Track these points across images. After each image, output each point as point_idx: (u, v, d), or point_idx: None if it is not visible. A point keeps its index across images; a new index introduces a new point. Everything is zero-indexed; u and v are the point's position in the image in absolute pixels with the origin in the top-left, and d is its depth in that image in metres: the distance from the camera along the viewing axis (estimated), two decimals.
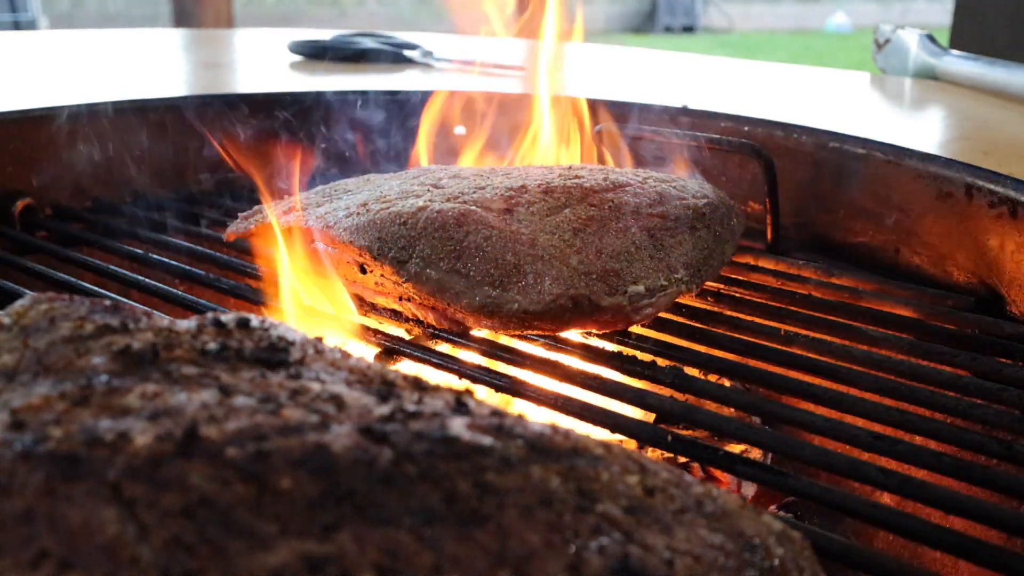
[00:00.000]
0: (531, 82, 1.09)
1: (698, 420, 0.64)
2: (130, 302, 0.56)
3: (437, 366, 0.71)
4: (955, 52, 1.60)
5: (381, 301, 0.80)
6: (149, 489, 0.31)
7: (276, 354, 0.44)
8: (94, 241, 1.01)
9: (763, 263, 0.95)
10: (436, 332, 0.76)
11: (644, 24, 12.39)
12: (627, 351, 0.73)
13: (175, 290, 0.84)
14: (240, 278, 0.90)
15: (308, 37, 1.77)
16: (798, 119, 1.10)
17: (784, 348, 0.75)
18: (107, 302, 0.48)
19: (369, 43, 1.70)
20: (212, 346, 0.43)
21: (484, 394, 0.67)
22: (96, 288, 0.83)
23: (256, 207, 0.90)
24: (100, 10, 9.35)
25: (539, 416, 0.48)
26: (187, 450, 0.33)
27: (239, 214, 0.91)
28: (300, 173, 1.06)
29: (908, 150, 0.97)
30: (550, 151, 1.07)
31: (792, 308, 0.83)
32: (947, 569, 0.79)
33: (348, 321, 0.78)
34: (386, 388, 0.42)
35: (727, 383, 0.86)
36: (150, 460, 0.33)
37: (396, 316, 0.79)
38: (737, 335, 0.77)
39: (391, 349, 0.74)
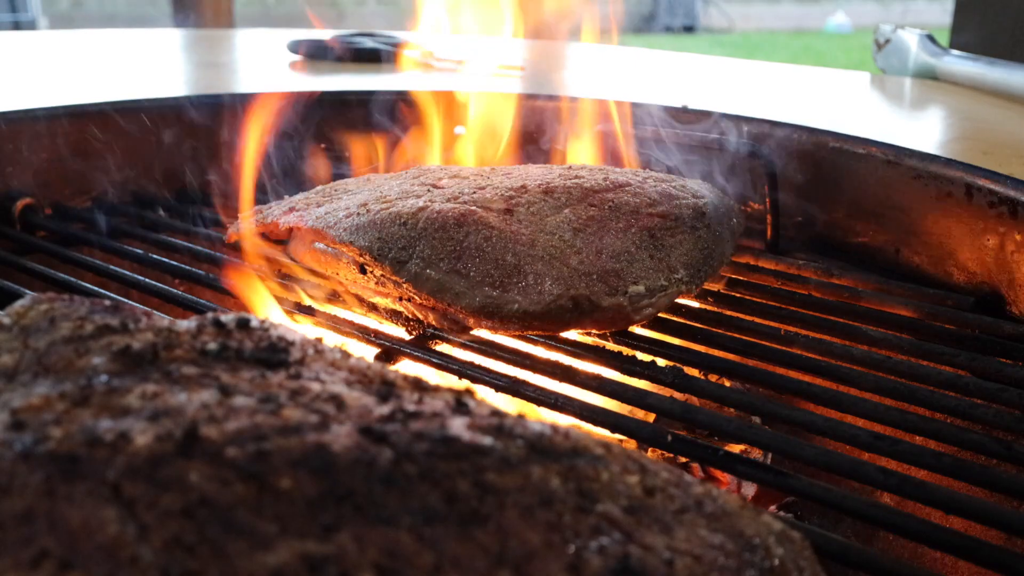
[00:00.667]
0: (530, 82, 1.08)
1: (698, 420, 0.64)
2: (130, 302, 0.56)
3: (437, 366, 0.71)
4: (955, 52, 1.60)
5: (381, 301, 0.80)
6: (149, 489, 0.31)
7: (276, 354, 0.44)
8: (94, 241, 1.01)
9: (763, 263, 0.95)
10: (436, 332, 0.76)
11: (644, 24, 12.39)
12: (627, 351, 0.73)
13: (175, 290, 0.84)
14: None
15: (308, 36, 1.77)
16: (798, 119, 1.10)
17: (784, 348, 0.74)
18: (107, 302, 0.48)
19: (369, 43, 1.70)
20: (212, 346, 0.43)
21: (484, 394, 0.67)
22: (96, 288, 0.83)
23: (256, 208, 0.90)
24: (100, 10, 9.34)
25: (539, 416, 0.48)
26: (187, 450, 0.33)
27: (239, 214, 0.91)
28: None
29: (908, 150, 0.97)
30: (550, 151, 1.07)
31: (792, 308, 0.83)
32: (947, 569, 0.79)
33: (348, 321, 0.78)
34: (386, 388, 0.42)
35: (727, 383, 0.86)
36: (150, 460, 0.33)
37: (396, 316, 0.79)
38: (737, 335, 0.77)
39: (391, 349, 0.74)
